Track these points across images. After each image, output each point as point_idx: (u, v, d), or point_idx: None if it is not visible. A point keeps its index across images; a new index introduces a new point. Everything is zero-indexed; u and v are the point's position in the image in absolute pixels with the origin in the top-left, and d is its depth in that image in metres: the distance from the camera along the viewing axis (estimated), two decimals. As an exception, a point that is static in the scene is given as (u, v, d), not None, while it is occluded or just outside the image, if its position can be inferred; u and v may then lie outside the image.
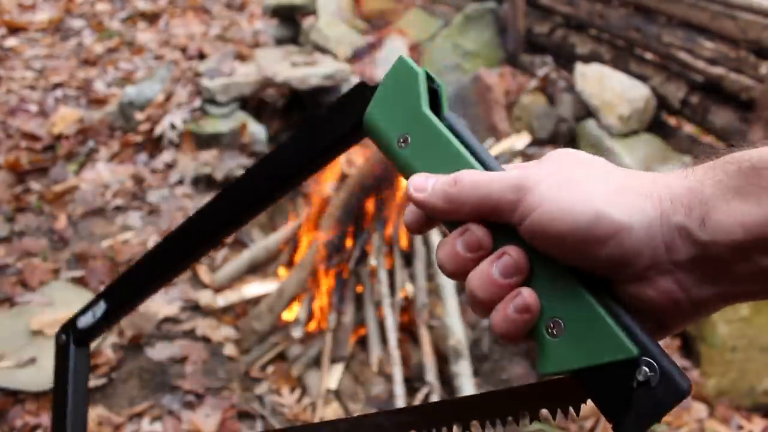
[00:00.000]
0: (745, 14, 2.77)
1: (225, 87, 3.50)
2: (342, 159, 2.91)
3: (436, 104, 0.47)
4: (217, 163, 3.32)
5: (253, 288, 2.61)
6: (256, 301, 2.56)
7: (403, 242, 2.64)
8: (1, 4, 5.70)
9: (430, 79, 0.48)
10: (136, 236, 2.93)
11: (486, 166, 0.43)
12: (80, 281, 2.65)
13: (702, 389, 2.19)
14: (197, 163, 3.33)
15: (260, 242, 2.81)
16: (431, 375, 2.24)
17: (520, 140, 3.21)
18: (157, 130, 3.50)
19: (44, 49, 5.03)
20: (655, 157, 3.12)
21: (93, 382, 2.19)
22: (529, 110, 3.45)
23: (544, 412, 0.43)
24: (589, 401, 0.41)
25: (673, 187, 0.38)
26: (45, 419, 2.05)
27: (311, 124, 0.54)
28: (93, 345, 2.06)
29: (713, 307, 0.40)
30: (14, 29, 5.33)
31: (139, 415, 2.12)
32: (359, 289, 2.52)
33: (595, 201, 0.37)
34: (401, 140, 0.47)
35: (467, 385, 2.18)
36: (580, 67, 3.40)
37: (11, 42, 5.12)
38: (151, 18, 5.67)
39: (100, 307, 0.66)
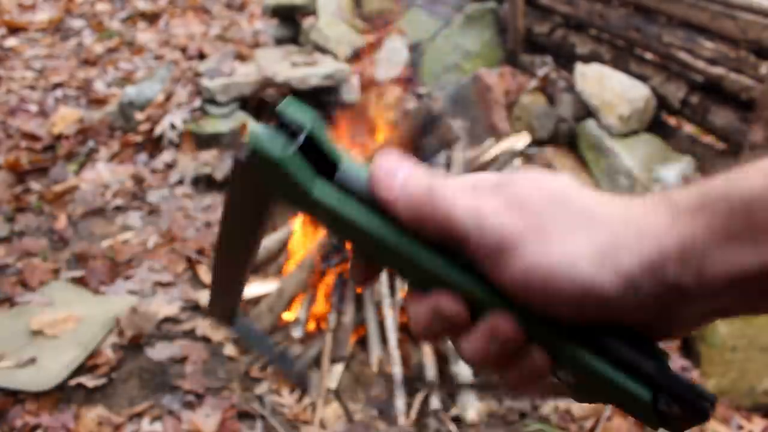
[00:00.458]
0: (745, 14, 2.77)
1: (225, 87, 3.50)
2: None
3: (321, 156, 0.39)
4: (217, 163, 3.32)
5: (253, 288, 2.61)
6: (256, 301, 2.56)
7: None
8: (1, 4, 5.70)
9: (297, 129, 0.38)
10: (136, 236, 2.93)
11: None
12: (80, 281, 2.65)
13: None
14: (197, 163, 3.33)
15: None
16: (431, 375, 2.24)
17: (520, 140, 3.21)
18: (157, 130, 3.50)
19: (44, 49, 5.03)
20: (655, 157, 3.12)
21: (93, 382, 2.19)
22: (529, 110, 3.45)
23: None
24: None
25: (661, 237, 0.34)
26: (45, 419, 2.06)
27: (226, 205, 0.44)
28: (93, 346, 2.06)
29: (710, 321, 0.39)
30: (14, 29, 5.33)
31: (139, 415, 2.12)
32: (359, 289, 2.52)
33: (581, 268, 0.34)
34: (322, 219, 0.40)
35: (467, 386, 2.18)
36: (580, 67, 3.40)
37: (11, 42, 5.12)
38: (151, 18, 5.67)
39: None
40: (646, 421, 0.38)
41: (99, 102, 4.21)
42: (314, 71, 3.56)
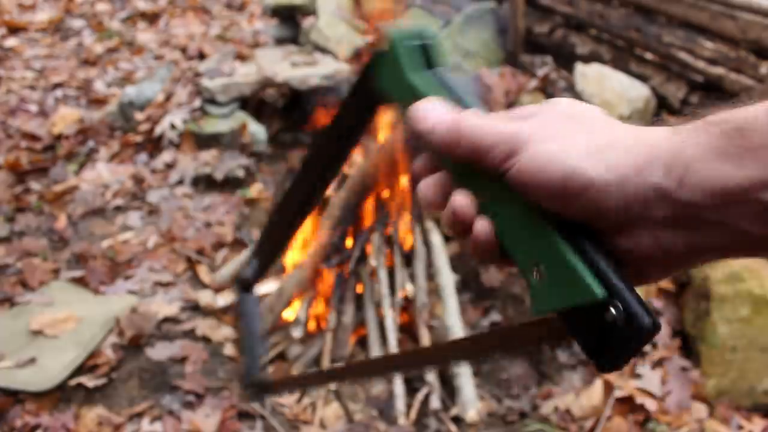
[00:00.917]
0: (745, 14, 2.77)
1: (225, 87, 3.50)
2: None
3: (428, 61, 0.50)
4: (217, 163, 3.32)
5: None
6: (256, 301, 2.55)
7: (403, 242, 2.64)
8: (1, 4, 5.70)
9: (418, 36, 0.50)
10: (136, 236, 2.93)
11: None
12: (80, 281, 2.65)
13: (702, 389, 2.19)
14: (197, 163, 3.33)
15: (260, 242, 2.80)
16: (431, 375, 2.24)
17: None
18: (157, 130, 3.50)
19: (44, 49, 5.03)
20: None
21: (93, 382, 2.19)
22: (529, 110, 3.45)
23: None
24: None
25: (655, 146, 0.38)
26: (45, 419, 2.06)
27: (339, 106, 0.59)
28: (93, 346, 2.08)
29: (692, 261, 0.41)
30: (14, 29, 5.33)
31: (139, 415, 2.12)
32: (359, 289, 2.52)
33: (571, 157, 0.39)
34: (402, 111, 0.49)
35: (467, 386, 2.18)
36: (580, 67, 3.40)
37: (11, 42, 5.12)
38: (151, 18, 5.67)
39: (254, 264, 0.78)
40: (594, 346, 0.40)
41: (99, 102, 4.21)
42: (314, 71, 3.56)
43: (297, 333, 2.37)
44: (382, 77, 0.52)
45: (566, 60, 3.70)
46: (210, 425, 2.08)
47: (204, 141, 3.43)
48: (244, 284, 0.82)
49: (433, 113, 0.45)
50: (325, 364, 2.29)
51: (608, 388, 2.19)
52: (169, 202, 3.15)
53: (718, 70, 2.91)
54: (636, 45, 3.38)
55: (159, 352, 2.31)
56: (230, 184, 3.29)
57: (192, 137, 3.45)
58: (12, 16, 5.55)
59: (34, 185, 3.31)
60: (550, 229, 0.42)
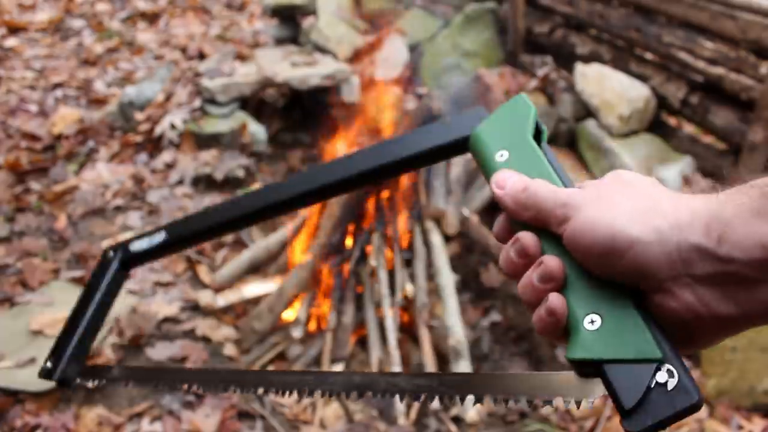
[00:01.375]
0: (745, 14, 2.77)
1: (225, 87, 3.50)
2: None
3: (537, 138, 0.54)
4: (217, 163, 3.32)
5: (253, 288, 2.61)
6: (256, 301, 2.56)
7: (403, 242, 2.64)
8: (1, 4, 5.70)
9: (536, 116, 0.55)
10: (136, 236, 2.93)
11: (565, 185, 0.49)
12: (80, 281, 2.65)
13: (702, 389, 2.19)
14: (197, 163, 3.33)
15: (260, 242, 2.81)
16: (431, 375, 2.24)
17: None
18: (157, 130, 3.49)
19: (44, 49, 5.03)
20: (655, 157, 3.12)
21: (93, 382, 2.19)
22: (529, 110, 3.44)
23: (551, 404, 0.47)
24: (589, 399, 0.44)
25: (695, 208, 0.41)
26: (45, 419, 2.05)
27: (426, 129, 0.61)
28: (95, 343, 2.02)
29: (740, 326, 0.42)
30: (14, 29, 5.33)
31: (139, 415, 2.12)
32: (359, 289, 2.52)
33: (617, 219, 0.42)
34: (500, 155, 0.53)
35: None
36: (580, 67, 3.40)
37: (11, 42, 5.12)
38: (151, 18, 5.67)
39: (159, 236, 0.69)
40: (631, 402, 0.40)
41: (99, 102, 4.21)
42: (314, 71, 3.56)
43: (297, 333, 2.37)
44: (486, 129, 0.55)
45: (566, 60, 3.70)
46: (210, 425, 2.08)
47: (204, 141, 3.43)
48: (125, 257, 0.73)
49: (510, 180, 0.49)
50: (325, 364, 2.29)
51: (608, 388, 2.19)
52: (169, 202, 3.15)
53: (718, 70, 2.91)
54: (636, 45, 3.38)
55: (159, 352, 2.31)
56: (230, 184, 3.29)
57: (192, 137, 3.45)
58: (12, 16, 5.55)
59: (34, 185, 3.31)
60: (616, 286, 0.43)
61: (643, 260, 0.41)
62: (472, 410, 2.13)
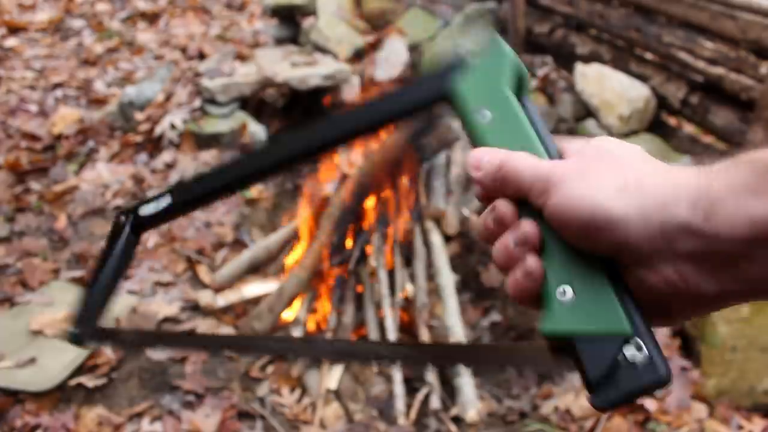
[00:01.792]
0: (745, 14, 2.77)
1: (225, 87, 3.50)
2: (342, 159, 2.91)
3: (519, 89, 0.51)
4: (217, 163, 3.32)
5: (253, 288, 2.61)
6: (256, 301, 2.56)
7: (403, 242, 2.64)
8: (1, 4, 5.70)
9: (517, 64, 0.52)
10: (136, 236, 2.93)
11: (548, 152, 0.47)
12: (80, 281, 2.65)
13: (702, 389, 2.19)
14: (197, 163, 3.33)
15: (260, 242, 2.81)
16: (431, 375, 2.24)
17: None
18: (157, 130, 3.49)
19: (44, 49, 5.03)
20: (655, 157, 3.12)
21: (93, 382, 2.19)
22: (529, 110, 3.45)
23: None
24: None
25: (682, 183, 0.40)
26: (45, 419, 2.05)
27: (402, 86, 0.58)
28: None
29: (718, 304, 0.41)
30: (14, 29, 5.33)
31: (139, 415, 2.12)
32: (359, 289, 2.52)
33: (598, 196, 0.41)
34: (482, 115, 0.50)
35: (467, 386, 2.18)
36: (580, 67, 3.40)
37: (11, 42, 5.12)
38: (151, 18, 5.67)
39: (165, 200, 0.70)
40: (598, 379, 0.40)
41: (99, 102, 4.20)
42: (314, 71, 3.56)
43: (297, 333, 2.37)
44: (464, 82, 0.52)
45: (566, 60, 3.70)
46: (210, 425, 2.08)
47: (204, 141, 3.43)
48: (136, 221, 0.74)
49: (484, 159, 0.47)
50: (325, 364, 2.29)
51: (608, 388, 2.19)
52: (169, 202, 3.15)
53: (718, 70, 2.91)
54: (636, 45, 3.38)
55: (159, 352, 2.31)
56: (230, 184, 3.29)
57: (192, 137, 3.45)
58: (12, 16, 5.55)
59: (34, 185, 3.31)
60: (590, 259, 0.43)
61: (624, 238, 0.40)
62: (472, 410, 2.13)
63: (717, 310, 0.42)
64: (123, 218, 0.73)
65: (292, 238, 2.75)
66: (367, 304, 2.47)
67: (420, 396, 2.20)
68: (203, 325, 2.45)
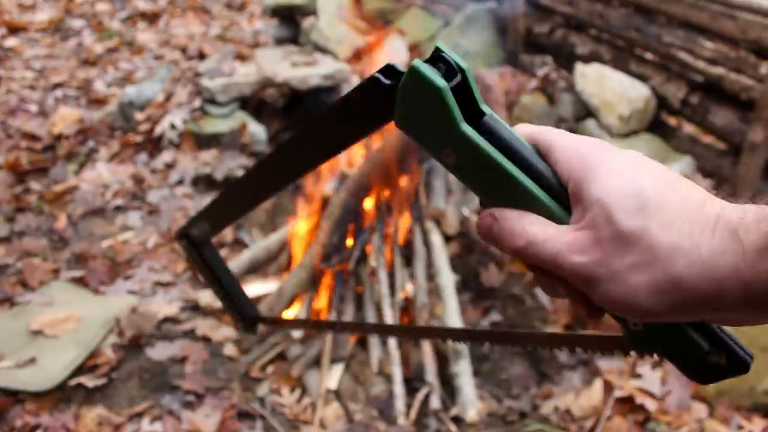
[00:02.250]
0: (745, 14, 2.77)
1: (225, 87, 3.50)
2: (341, 159, 2.91)
3: (467, 101, 0.44)
4: (217, 163, 3.32)
5: (253, 288, 2.61)
6: (256, 301, 2.56)
7: (403, 242, 2.64)
8: (1, 4, 5.70)
9: (451, 68, 0.44)
10: (136, 236, 2.93)
11: (537, 177, 0.44)
12: (80, 281, 2.65)
13: (702, 389, 2.19)
14: (197, 163, 3.33)
15: (260, 242, 2.81)
16: (431, 375, 2.24)
17: (520, 140, 3.21)
18: (157, 130, 3.50)
19: (44, 49, 5.03)
20: (655, 157, 3.11)
21: (93, 382, 2.19)
22: (529, 110, 3.45)
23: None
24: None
25: (725, 282, 0.38)
26: (45, 419, 2.05)
27: (335, 111, 0.52)
28: (93, 346, 2.06)
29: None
30: (14, 29, 5.33)
31: (139, 415, 2.12)
32: (359, 289, 2.52)
33: (636, 299, 0.40)
34: (444, 154, 0.44)
35: (467, 386, 2.18)
36: (580, 67, 3.40)
37: (11, 42, 5.12)
38: (151, 18, 5.67)
39: (203, 226, 0.76)
40: (693, 374, 0.46)
41: (99, 102, 4.21)
42: (314, 71, 3.56)
43: (297, 333, 2.37)
44: (405, 114, 0.44)
45: (566, 60, 3.70)
46: (210, 425, 2.08)
47: (204, 141, 3.43)
48: (194, 241, 0.79)
49: (503, 235, 0.45)
50: (325, 364, 2.29)
51: (608, 388, 2.19)
52: (169, 202, 3.15)
53: (718, 70, 2.91)
54: (636, 45, 3.38)
55: (159, 352, 2.31)
56: (230, 184, 3.29)
57: (192, 137, 3.45)
58: (12, 16, 5.55)
59: (34, 185, 3.31)
60: None
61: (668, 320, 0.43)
62: (472, 410, 2.13)
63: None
64: (185, 240, 0.79)
65: (292, 238, 2.75)
66: (367, 304, 2.47)
67: (420, 396, 2.20)
68: (203, 326, 2.45)
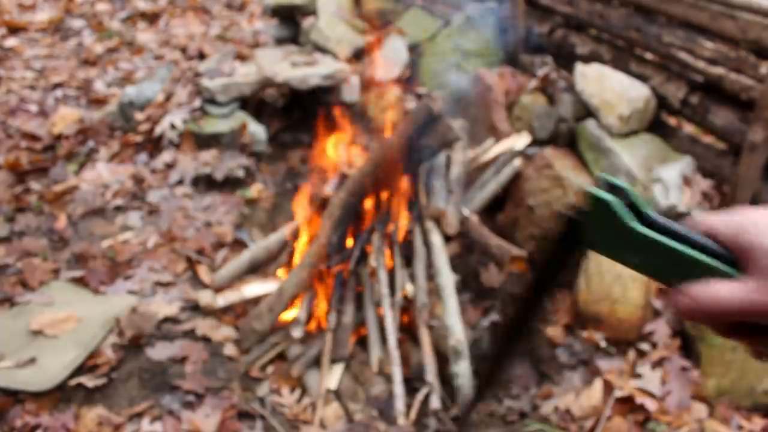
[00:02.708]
0: (745, 14, 2.77)
1: (225, 87, 3.50)
2: (341, 159, 2.91)
3: (636, 211, 0.54)
4: (217, 163, 3.32)
5: (253, 288, 2.61)
6: (256, 301, 2.56)
7: (403, 242, 2.64)
8: (1, 4, 5.70)
9: (617, 189, 0.54)
10: (136, 236, 2.93)
11: (704, 249, 0.51)
12: (80, 281, 2.65)
13: (702, 389, 2.19)
14: (197, 163, 3.33)
15: (260, 242, 2.81)
16: (431, 375, 2.24)
17: (520, 140, 3.21)
18: (157, 130, 3.49)
19: (44, 49, 5.03)
20: (655, 157, 3.12)
21: (93, 382, 2.19)
22: (529, 110, 3.45)
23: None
24: None
25: None
26: (45, 419, 2.06)
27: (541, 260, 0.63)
28: (93, 346, 2.04)
29: None
30: (14, 29, 5.33)
31: (139, 415, 2.12)
32: (359, 289, 2.52)
33: None
34: (632, 258, 0.54)
35: (467, 386, 2.18)
36: (580, 67, 3.40)
37: (11, 42, 5.12)
38: (151, 18, 5.67)
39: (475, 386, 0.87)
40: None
41: (99, 102, 4.21)
42: (314, 71, 3.56)
43: (297, 333, 2.37)
44: (591, 238, 0.56)
45: (566, 60, 3.70)
46: (210, 425, 2.08)
47: (204, 141, 3.43)
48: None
49: (708, 307, 0.51)
50: (326, 364, 2.29)
51: (608, 388, 2.19)
52: (169, 202, 3.15)
53: (718, 70, 2.91)
54: (636, 45, 3.38)
55: (159, 352, 2.31)
56: (230, 184, 3.29)
57: (192, 137, 3.45)
58: (12, 16, 5.55)
59: (34, 185, 3.31)
60: None
61: None
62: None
63: None
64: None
65: (292, 238, 2.75)
66: (367, 304, 2.47)
67: (420, 396, 2.20)
68: (203, 326, 2.45)
